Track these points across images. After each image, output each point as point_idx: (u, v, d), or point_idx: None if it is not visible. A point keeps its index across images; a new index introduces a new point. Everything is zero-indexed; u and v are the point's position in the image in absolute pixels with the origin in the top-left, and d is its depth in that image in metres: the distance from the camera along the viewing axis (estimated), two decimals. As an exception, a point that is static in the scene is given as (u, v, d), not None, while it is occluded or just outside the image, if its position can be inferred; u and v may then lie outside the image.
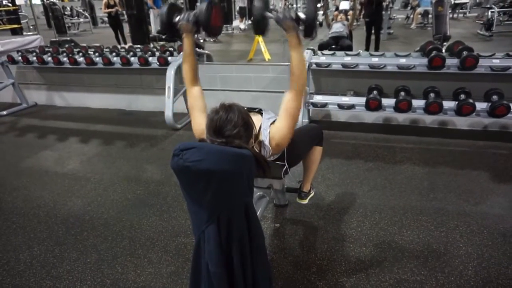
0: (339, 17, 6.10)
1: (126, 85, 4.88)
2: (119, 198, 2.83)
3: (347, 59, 3.76)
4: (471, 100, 3.33)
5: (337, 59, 3.81)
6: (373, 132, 3.89)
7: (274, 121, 1.70)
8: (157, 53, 4.44)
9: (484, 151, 3.40)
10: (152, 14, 9.40)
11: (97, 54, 4.66)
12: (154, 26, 9.42)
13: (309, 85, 3.96)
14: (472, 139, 3.64)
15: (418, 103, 3.50)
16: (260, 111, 1.80)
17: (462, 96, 3.44)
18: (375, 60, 3.67)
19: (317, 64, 3.79)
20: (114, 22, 8.97)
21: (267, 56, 7.61)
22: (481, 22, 9.81)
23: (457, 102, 3.38)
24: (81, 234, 2.43)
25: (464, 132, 3.82)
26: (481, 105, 3.35)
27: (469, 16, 13.21)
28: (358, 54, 3.90)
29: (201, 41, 9.69)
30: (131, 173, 3.25)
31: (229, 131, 1.31)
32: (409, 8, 13.12)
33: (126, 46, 5.83)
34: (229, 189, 1.22)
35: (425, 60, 3.48)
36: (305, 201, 2.36)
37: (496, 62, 3.37)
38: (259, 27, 1.63)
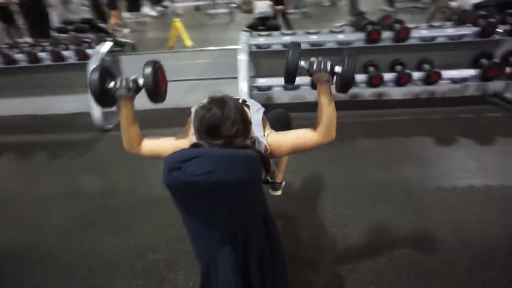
0: (262, -4, 5.93)
1: (36, 86, 4.16)
2: (59, 221, 2.38)
3: (287, 39, 3.65)
4: (408, 71, 3.46)
5: (276, 40, 3.68)
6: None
7: (265, 112, 1.49)
8: (72, 46, 3.85)
9: (422, 117, 3.59)
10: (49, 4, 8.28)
11: (-7, 51, 3.89)
12: (56, 18, 8.33)
13: (250, 69, 3.76)
14: (408, 107, 3.83)
15: (360, 77, 3.54)
16: (244, 102, 1.57)
17: (399, 68, 3.57)
18: (314, 38, 3.61)
19: (257, 46, 3.62)
20: (4, 14, 7.71)
21: (188, 42, 7.22)
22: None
23: (396, 74, 3.49)
24: (22, 270, 1.97)
25: (399, 101, 4.00)
26: (416, 75, 3.51)
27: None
28: (295, 34, 3.81)
29: (112, 30, 8.86)
30: (66, 188, 2.76)
31: (227, 130, 1.09)
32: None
33: (22, 41, 5.00)
34: (245, 200, 1.00)
35: (362, 35, 3.52)
36: (279, 192, 2.22)
37: (424, 32, 3.54)
38: (292, 77, 1.40)
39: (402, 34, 3.44)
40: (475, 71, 3.50)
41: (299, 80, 3.72)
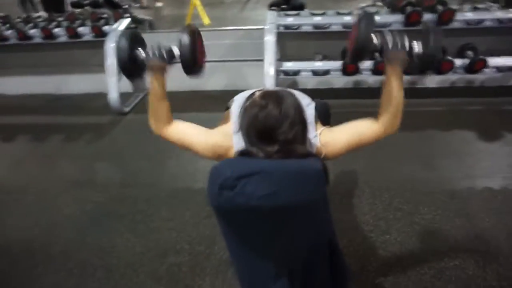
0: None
1: (51, 64, 3.98)
2: (75, 212, 2.23)
3: (317, 19, 3.37)
4: (449, 58, 3.17)
5: (306, 20, 3.40)
6: (347, 98, 3.62)
7: (315, 107, 1.28)
8: (88, 22, 3.64)
9: (460, 108, 3.32)
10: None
11: (7, 26, 3.70)
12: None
13: (277, 51, 3.51)
14: (443, 97, 3.55)
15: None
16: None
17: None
18: (347, 19, 3.33)
19: (286, 27, 3.36)
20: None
21: (206, 21, 6.94)
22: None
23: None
24: (34, 269, 1.84)
25: (434, 90, 3.71)
26: (458, 62, 3.21)
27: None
28: (324, 14, 3.52)
29: (125, 6, 8.59)
30: (81, 176, 2.61)
31: (284, 134, 0.89)
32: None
33: (36, 15, 4.80)
34: (312, 225, 0.82)
35: (400, 17, 3.22)
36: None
37: (470, 15, 3.22)
38: (362, 55, 1.19)
39: (446, 16, 3.13)
40: (523, 59, 3.20)
41: (328, 65, 3.44)
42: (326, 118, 1.82)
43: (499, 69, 3.20)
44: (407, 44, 1.10)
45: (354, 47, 1.16)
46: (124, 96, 3.56)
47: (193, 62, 1.20)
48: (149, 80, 1.23)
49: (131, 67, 1.24)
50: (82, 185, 2.48)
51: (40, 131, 3.32)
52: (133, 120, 3.44)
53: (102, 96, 3.58)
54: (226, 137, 1.19)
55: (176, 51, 1.21)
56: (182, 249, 1.88)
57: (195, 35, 1.22)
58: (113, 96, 3.37)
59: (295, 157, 0.85)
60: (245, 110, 0.96)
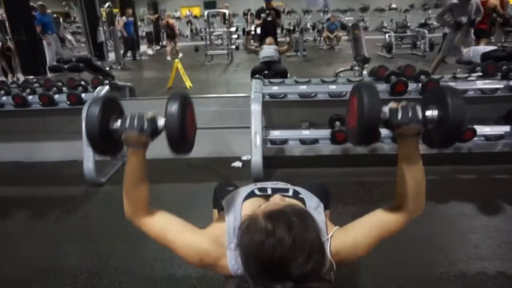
0: (267, 40, 5.75)
1: (23, 130, 3.74)
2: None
3: (303, 88, 3.34)
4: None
5: (292, 89, 3.37)
6: (336, 166, 3.51)
7: (324, 210, 1.11)
8: (65, 89, 3.49)
9: (452, 177, 3.25)
10: (45, 42, 8.11)
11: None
12: (49, 55, 8.14)
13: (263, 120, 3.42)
14: (432, 164, 3.47)
15: (384, 131, 3.20)
16: (297, 195, 1.18)
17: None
18: (333, 87, 3.32)
19: (271, 95, 3.30)
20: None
21: (188, 83, 6.98)
22: (381, 44, 10.56)
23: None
24: None
25: (422, 157, 3.66)
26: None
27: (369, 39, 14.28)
28: (309, 82, 3.51)
29: (107, 68, 8.63)
30: (46, 261, 2.26)
31: (299, 268, 0.72)
32: (315, 30, 14.05)
33: (15, 79, 4.66)
34: None
35: (386, 86, 3.23)
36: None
37: (454, 85, 3.27)
38: (372, 135, 1.00)
39: (430, 86, 3.16)
40: (509, 127, 3.22)
41: (316, 133, 3.34)
42: (326, 203, 1.65)
43: (487, 137, 3.19)
44: (420, 113, 0.93)
45: (359, 127, 0.97)
46: (100, 165, 3.31)
47: (180, 136, 0.99)
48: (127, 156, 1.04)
49: (102, 141, 1.00)
50: (47, 274, 2.14)
51: (2, 205, 2.99)
52: (110, 192, 3.16)
53: (76, 164, 3.34)
54: (216, 245, 1.01)
55: (160, 122, 1.01)
56: None
57: (186, 103, 1.02)
58: (89, 165, 3.12)
59: None
60: (244, 231, 0.77)
